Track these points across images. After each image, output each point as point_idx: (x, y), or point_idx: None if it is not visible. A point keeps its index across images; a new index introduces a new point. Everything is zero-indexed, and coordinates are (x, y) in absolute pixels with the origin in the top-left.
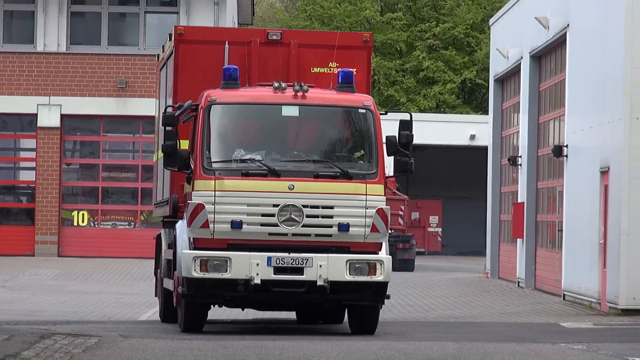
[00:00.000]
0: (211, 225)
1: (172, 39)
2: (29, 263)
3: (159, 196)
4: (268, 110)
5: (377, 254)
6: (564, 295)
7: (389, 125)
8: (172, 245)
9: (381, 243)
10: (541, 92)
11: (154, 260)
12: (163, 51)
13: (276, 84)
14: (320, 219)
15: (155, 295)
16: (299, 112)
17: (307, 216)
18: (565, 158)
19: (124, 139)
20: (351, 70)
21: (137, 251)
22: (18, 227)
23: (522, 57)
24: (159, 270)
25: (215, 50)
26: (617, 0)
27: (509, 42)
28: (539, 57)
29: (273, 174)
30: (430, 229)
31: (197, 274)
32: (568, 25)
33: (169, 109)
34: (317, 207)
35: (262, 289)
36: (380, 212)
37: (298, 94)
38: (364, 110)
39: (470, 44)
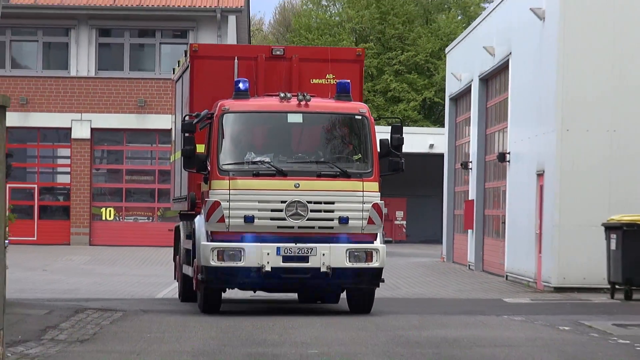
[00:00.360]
0: (227, 220)
1: (188, 55)
2: (65, 251)
3: (176, 193)
4: (275, 117)
5: (373, 243)
6: (506, 276)
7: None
8: (190, 236)
9: (376, 233)
10: (488, 109)
11: (172, 248)
12: (179, 65)
13: (282, 94)
14: (322, 213)
15: (175, 279)
16: (302, 119)
17: (311, 211)
18: (507, 163)
19: (143, 148)
20: (347, 81)
21: (154, 241)
22: (56, 221)
23: (472, 80)
24: (177, 257)
25: (226, 65)
26: (551, 32)
27: (462, 67)
28: (486, 80)
29: (281, 174)
30: (396, 222)
31: (214, 262)
32: (510, 53)
33: (187, 118)
34: (320, 202)
35: (273, 276)
36: (375, 206)
37: (301, 102)
38: (360, 117)
39: (429, 69)
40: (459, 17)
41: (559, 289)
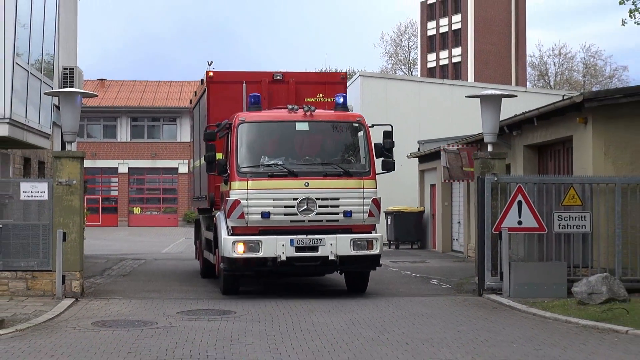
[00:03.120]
0: (246, 216)
1: (205, 81)
2: (115, 229)
3: (196, 193)
4: (285, 126)
5: (372, 233)
6: None
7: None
8: (210, 227)
9: (375, 224)
10: None
11: (173, 228)
12: (195, 95)
13: (290, 107)
14: (329, 208)
15: (196, 258)
16: (309, 127)
17: (319, 206)
18: None
19: (154, 177)
20: (345, 94)
21: (160, 224)
22: (110, 215)
23: None
24: (198, 242)
25: (236, 88)
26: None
27: None
28: None
29: (292, 174)
30: None
31: (235, 254)
32: None
33: (209, 128)
34: (326, 199)
35: (287, 264)
36: (374, 201)
37: (307, 113)
38: (357, 124)
39: None
40: None
41: None
